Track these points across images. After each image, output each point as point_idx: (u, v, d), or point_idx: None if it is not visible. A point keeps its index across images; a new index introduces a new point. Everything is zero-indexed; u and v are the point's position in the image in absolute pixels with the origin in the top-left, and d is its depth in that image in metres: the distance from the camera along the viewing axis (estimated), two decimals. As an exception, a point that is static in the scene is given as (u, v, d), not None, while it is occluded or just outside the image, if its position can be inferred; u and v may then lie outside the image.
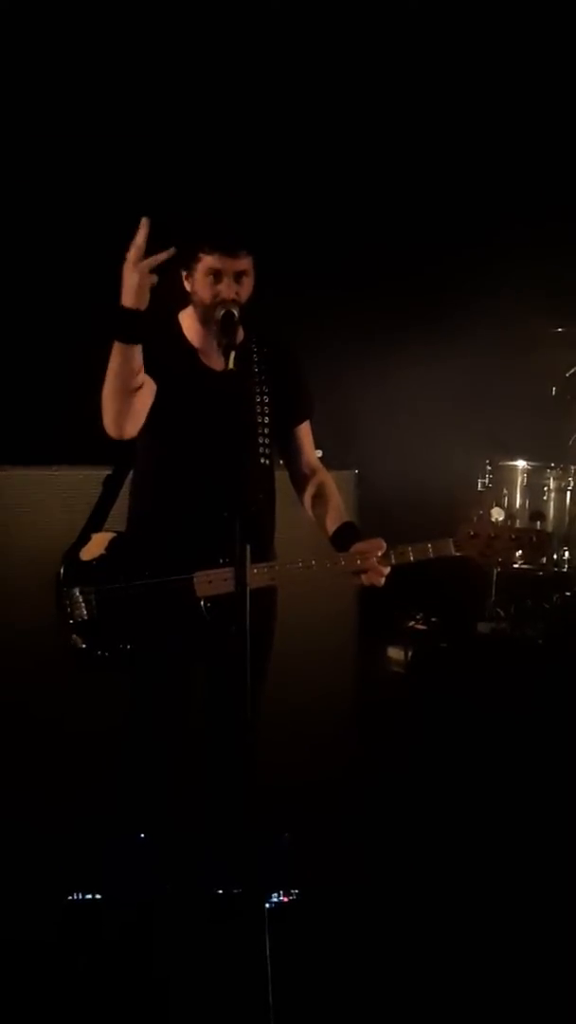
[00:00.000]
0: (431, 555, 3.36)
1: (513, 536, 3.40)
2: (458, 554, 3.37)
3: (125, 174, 5.22)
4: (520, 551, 3.38)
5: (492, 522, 3.45)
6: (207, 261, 3.40)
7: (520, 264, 5.56)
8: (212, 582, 3.39)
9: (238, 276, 3.40)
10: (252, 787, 3.12)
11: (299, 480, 3.65)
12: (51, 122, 5.22)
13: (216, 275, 3.40)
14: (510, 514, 3.61)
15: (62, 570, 3.53)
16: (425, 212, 5.66)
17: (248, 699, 3.04)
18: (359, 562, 3.41)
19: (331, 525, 3.53)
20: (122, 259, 3.22)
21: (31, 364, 5.20)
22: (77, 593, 3.48)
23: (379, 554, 3.40)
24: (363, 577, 3.42)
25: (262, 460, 3.37)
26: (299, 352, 3.64)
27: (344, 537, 3.49)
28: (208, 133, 5.36)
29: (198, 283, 3.43)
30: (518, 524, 3.62)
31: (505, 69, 5.57)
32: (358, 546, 3.43)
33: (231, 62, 5.37)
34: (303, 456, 3.65)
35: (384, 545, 3.40)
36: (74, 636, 3.47)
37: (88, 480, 3.96)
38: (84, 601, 3.48)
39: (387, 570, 3.41)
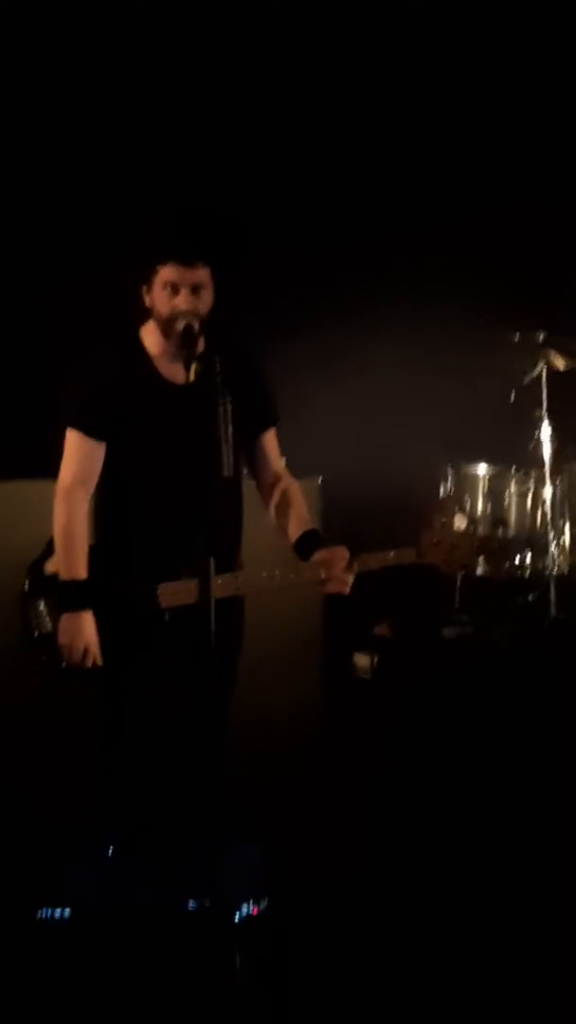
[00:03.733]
0: (394, 563, 3.38)
1: (476, 544, 3.43)
2: (422, 562, 3.39)
3: (83, 191, 5.22)
4: (483, 558, 3.41)
5: (454, 530, 3.47)
6: (163, 273, 3.41)
7: (477, 271, 5.59)
8: (176, 593, 3.39)
9: (195, 288, 3.41)
10: (220, 797, 3.13)
11: (264, 488, 3.65)
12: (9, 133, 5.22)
13: (173, 288, 3.40)
14: (472, 520, 3.64)
15: (27, 583, 3.52)
16: (383, 218, 5.68)
17: (215, 708, 3.06)
18: (322, 573, 3.42)
19: (294, 533, 3.54)
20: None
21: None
22: (42, 606, 3.48)
23: (342, 564, 3.41)
24: (328, 586, 3.44)
25: (225, 471, 3.38)
26: (261, 360, 3.64)
27: (307, 545, 3.50)
28: (162, 148, 5.36)
29: (156, 297, 3.44)
30: (480, 530, 3.65)
31: (485, 69, 5.60)
32: (320, 554, 3.44)
33: (189, 77, 5.38)
34: (268, 464, 3.65)
35: (347, 554, 3.42)
36: (40, 649, 3.47)
37: (52, 492, 3.94)
38: (49, 614, 3.47)
39: (351, 579, 3.43)
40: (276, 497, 3.61)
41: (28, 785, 4.13)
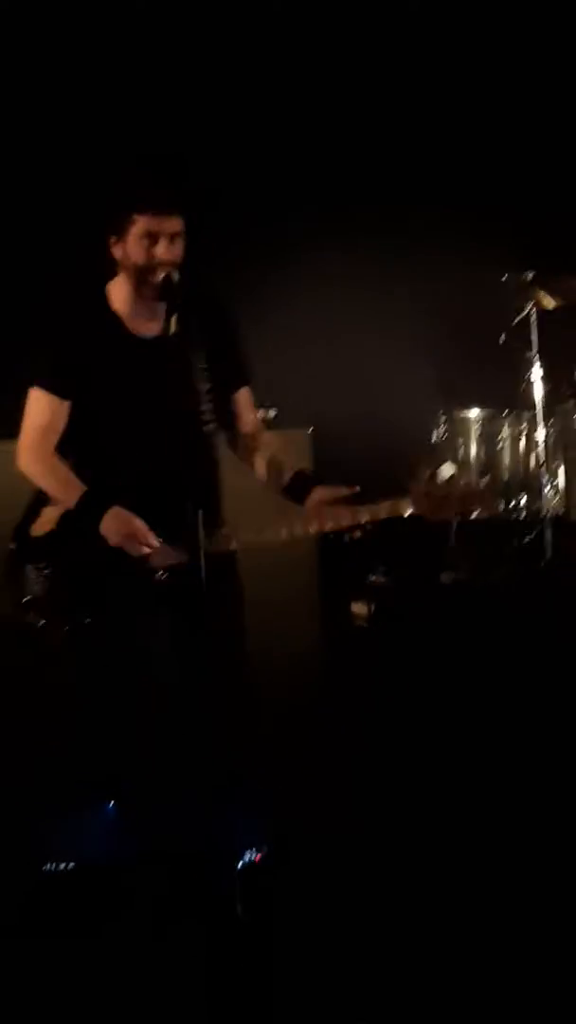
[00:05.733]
0: (387, 515, 3.34)
1: (462, 495, 3.37)
2: (414, 513, 3.36)
3: (60, 140, 5.16)
4: (471, 507, 3.36)
5: (440, 482, 3.41)
6: (140, 223, 3.36)
7: (466, 213, 5.54)
8: (164, 553, 3.38)
9: (172, 238, 3.37)
10: (224, 748, 3.15)
11: (241, 446, 3.59)
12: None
13: (151, 238, 3.36)
14: (462, 466, 3.60)
15: (13, 547, 3.51)
16: (372, 161, 5.62)
17: (213, 659, 3.07)
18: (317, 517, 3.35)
19: (284, 479, 3.48)
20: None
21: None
22: (30, 569, 3.47)
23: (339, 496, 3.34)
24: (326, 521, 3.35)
25: (205, 427, 3.34)
26: (235, 316, 3.58)
27: (299, 487, 3.44)
28: (137, 98, 5.29)
29: (131, 247, 3.38)
30: (469, 478, 3.60)
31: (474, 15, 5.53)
32: (319, 491, 3.39)
33: (166, 29, 5.31)
34: (245, 421, 3.59)
35: (342, 491, 3.35)
36: (31, 613, 3.46)
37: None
38: (38, 578, 3.46)
39: (354, 515, 3.34)
40: (257, 451, 3.55)
41: (27, 742, 4.16)
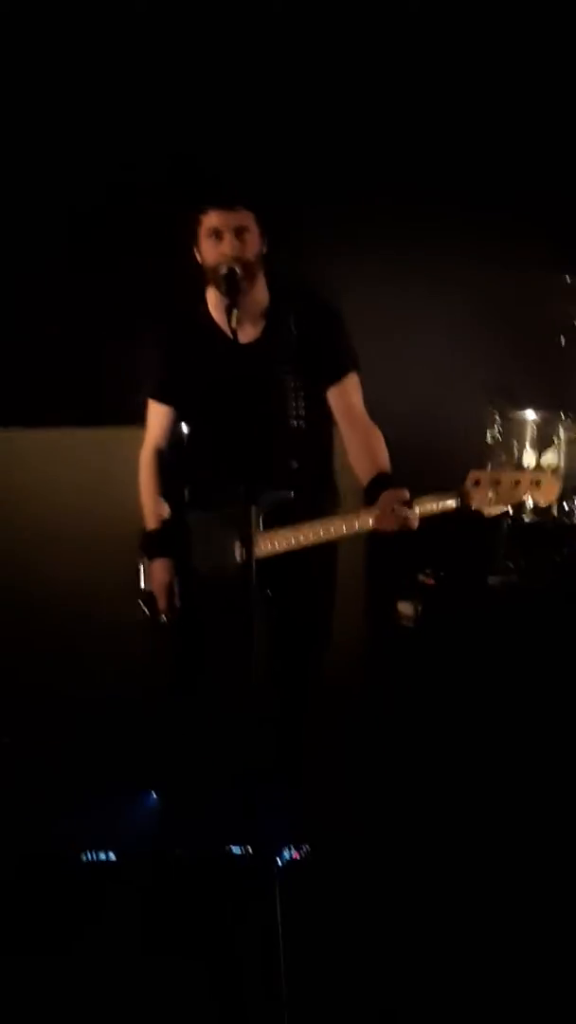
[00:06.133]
0: (438, 511, 3.31)
1: (516, 480, 3.32)
2: (466, 505, 3.31)
3: (122, 153, 5.17)
4: (527, 494, 3.31)
5: (491, 472, 3.37)
6: (206, 222, 3.37)
7: (527, 213, 5.47)
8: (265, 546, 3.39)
9: (239, 232, 3.36)
10: (267, 746, 3.18)
11: (343, 438, 3.62)
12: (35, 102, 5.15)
13: (217, 234, 3.36)
14: (515, 467, 3.52)
15: (140, 540, 3.66)
16: (431, 160, 5.56)
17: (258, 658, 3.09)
18: (371, 521, 3.35)
19: (364, 478, 3.51)
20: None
21: (39, 327, 5.17)
22: (142, 560, 3.62)
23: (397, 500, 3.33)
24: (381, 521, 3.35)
25: (293, 423, 3.38)
26: (337, 310, 3.61)
27: (372, 490, 3.46)
28: (194, 101, 5.27)
29: (204, 249, 3.42)
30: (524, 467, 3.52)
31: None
32: (385, 496, 3.38)
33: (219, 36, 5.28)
34: (342, 415, 3.59)
35: (406, 495, 3.35)
36: (140, 603, 3.59)
37: (94, 441, 3.99)
38: (144, 569, 3.62)
39: (409, 514, 3.32)
40: (350, 447, 3.59)
41: (79, 730, 4.19)
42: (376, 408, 4.88)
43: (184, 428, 3.65)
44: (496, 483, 3.31)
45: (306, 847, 3.59)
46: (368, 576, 4.63)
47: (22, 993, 3.09)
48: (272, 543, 3.32)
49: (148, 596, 3.56)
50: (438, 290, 5.36)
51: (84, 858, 3.60)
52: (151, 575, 3.55)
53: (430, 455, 5.30)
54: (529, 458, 4.58)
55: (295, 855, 3.61)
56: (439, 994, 3.09)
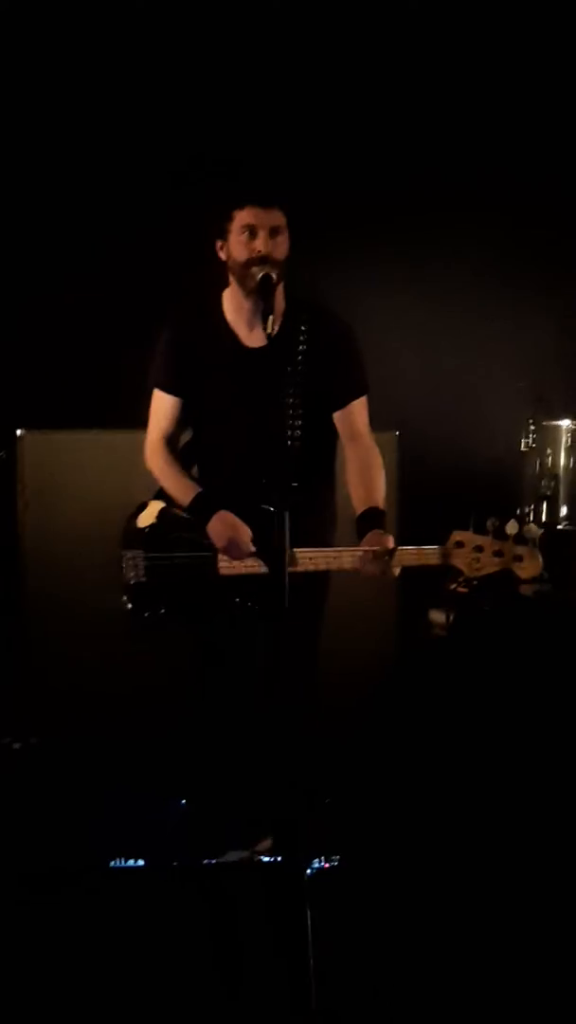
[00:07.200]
0: (418, 563, 3.27)
1: (499, 550, 3.26)
2: (446, 563, 3.28)
3: (155, 146, 5.18)
4: (510, 567, 3.26)
5: (479, 535, 3.30)
6: (241, 217, 3.34)
7: (563, 219, 5.44)
8: (232, 564, 3.39)
9: (273, 232, 3.34)
10: (298, 754, 3.14)
11: (345, 457, 3.56)
12: (66, 101, 5.17)
13: (251, 231, 3.33)
14: (529, 529, 3.37)
15: (121, 535, 3.60)
16: (466, 161, 5.53)
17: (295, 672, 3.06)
18: (360, 561, 3.30)
19: (358, 508, 3.44)
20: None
21: (75, 329, 5.19)
22: (129, 556, 3.55)
23: (379, 548, 3.26)
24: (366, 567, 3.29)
25: (290, 443, 3.33)
26: (350, 328, 3.53)
27: (362, 525, 3.39)
28: (227, 98, 5.27)
29: (233, 244, 3.37)
30: (522, 529, 3.38)
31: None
32: (368, 537, 3.32)
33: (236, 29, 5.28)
34: (346, 436, 3.53)
35: (390, 543, 3.27)
36: (124, 596, 3.55)
37: (126, 443, 4.01)
38: (134, 564, 3.54)
39: (389, 568, 3.26)
40: (348, 469, 3.51)
41: (106, 735, 4.19)
42: (409, 413, 4.89)
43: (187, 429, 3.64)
44: (479, 548, 3.25)
45: (337, 857, 3.56)
46: (400, 584, 4.60)
47: (52, 1000, 3.08)
48: (313, 561, 3.30)
49: (134, 595, 3.53)
50: (475, 301, 5.35)
51: (112, 865, 3.59)
52: (217, 532, 3.40)
53: (465, 461, 5.30)
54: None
55: (325, 865, 3.59)
56: (469, 1009, 3.06)
